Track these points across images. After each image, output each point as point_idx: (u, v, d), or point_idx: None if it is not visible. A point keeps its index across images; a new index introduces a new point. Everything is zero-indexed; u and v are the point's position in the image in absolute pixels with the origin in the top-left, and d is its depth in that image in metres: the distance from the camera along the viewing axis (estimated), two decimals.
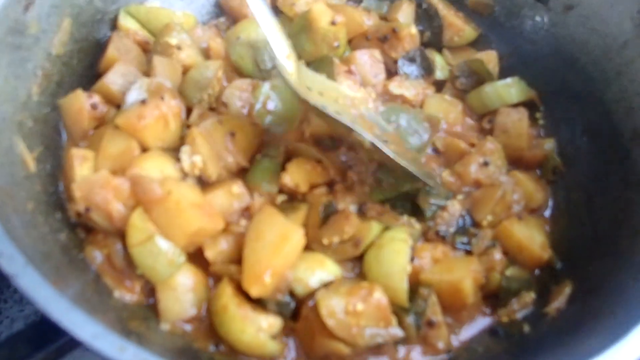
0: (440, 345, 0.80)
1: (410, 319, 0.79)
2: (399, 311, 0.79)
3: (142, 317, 0.77)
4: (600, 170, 0.92)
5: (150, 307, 0.79)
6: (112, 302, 0.75)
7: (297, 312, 0.78)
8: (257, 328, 0.74)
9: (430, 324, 0.80)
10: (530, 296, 0.85)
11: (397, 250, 0.81)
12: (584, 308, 0.77)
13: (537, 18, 1.06)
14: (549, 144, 1.00)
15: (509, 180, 0.94)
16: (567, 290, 0.82)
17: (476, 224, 0.91)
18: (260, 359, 0.76)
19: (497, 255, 0.87)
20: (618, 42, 0.93)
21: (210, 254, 0.79)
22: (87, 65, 0.98)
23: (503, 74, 1.07)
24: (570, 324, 0.75)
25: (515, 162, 0.99)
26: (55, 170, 0.86)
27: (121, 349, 0.56)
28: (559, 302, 0.80)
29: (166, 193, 0.76)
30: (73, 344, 0.76)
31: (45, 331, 0.75)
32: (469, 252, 0.89)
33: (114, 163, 0.84)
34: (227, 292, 0.75)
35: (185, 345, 0.75)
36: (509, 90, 1.02)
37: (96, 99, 0.91)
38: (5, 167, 0.75)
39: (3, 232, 0.62)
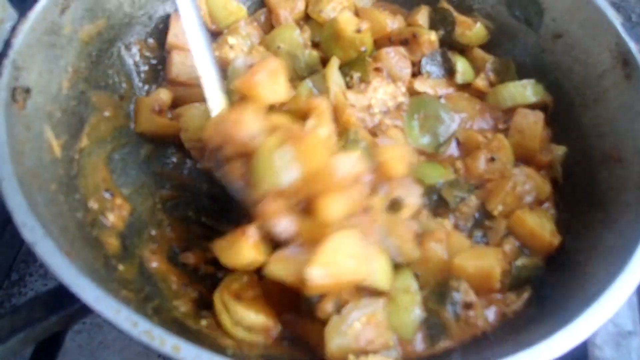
0: (480, 323, 0.86)
1: (448, 312, 0.86)
2: (437, 307, 0.87)
3: (144, 297, 0.86)
4: (569, 189, 1.00)
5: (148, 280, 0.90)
6: (115, 275, 0.85)
7: None
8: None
9: (468, 306, 0.86)
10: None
11: (406, 307, 0.86)
12: (537, 312, 0.85)
13: (529, 43, 1.14)
14: (560, 151, 1.04)
15: (520, 172, 1.00)
16: (525, 295, 0.89)
17: (488, 214, 0.98)
18: None
19: (508, 247, 0.94)
20: (597, 71, 1.00)
21: None
22: None
23: None
24: (522, 325, 0.83)
25: (527, 161, 1.04)
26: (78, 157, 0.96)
27: (117, 311, 0.66)
28: (516, 305, 0.88)
29: None
30: (84, 311, 0.87)
31: (60, 298, 0.86)
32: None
33: None
34: None
35: (173, 318, 0.85)
36: (524, 91, 1.07)
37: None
38: (35, 151, 0.85)
39: (27, 206, 0.72)
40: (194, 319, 0.86)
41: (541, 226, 0.95)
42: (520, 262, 0.93)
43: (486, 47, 1.19)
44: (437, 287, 0.89)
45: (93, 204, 0.92)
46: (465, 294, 0.87)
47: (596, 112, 1.00)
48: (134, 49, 1.11)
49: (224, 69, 1.06)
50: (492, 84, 1.13)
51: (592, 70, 1.01)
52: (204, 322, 0.86)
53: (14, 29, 0.88)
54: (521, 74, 1.14)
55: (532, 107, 1.06)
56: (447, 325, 0.86)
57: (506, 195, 0.98)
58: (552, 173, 1.04)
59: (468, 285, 0.88)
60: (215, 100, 0.94)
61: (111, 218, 0.93)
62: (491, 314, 0.89)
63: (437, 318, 0.87)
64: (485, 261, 0.90)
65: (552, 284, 0.88)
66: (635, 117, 0.91)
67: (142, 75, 1.13)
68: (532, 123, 1.03)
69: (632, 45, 0.93)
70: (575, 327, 0.68)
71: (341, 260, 0.76)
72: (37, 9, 0.90)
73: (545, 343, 0.67)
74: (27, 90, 0.87)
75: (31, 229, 0.70)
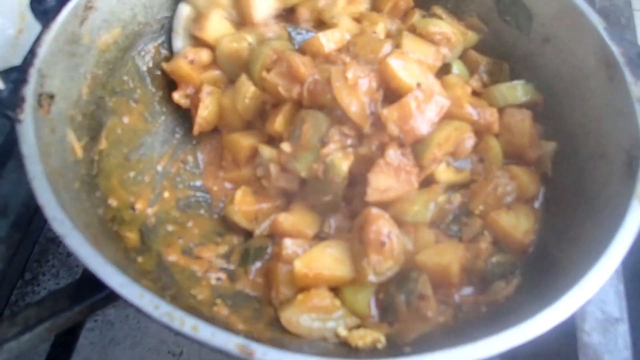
0: (430, 314, 0.92)
1: (401, 298, 0.93)
2: (394, 292, 0.93)
3: (161, 286, 0.93)
4: (558, 183, 1.05)
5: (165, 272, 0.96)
6: (135, 266, 0.92)
7: None
8: None
9: (422, 297, 0.92)
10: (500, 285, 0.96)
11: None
12: (526, 298, 0.91)
13: (520, 47, 1.19)
14: (550, 147, 1.08)
15: (503, 175, 1.05)
16: (515, 281, 0.95)
17: (469, 212, 1.04)
18: None
19: (483, 244, 0.99)
20: (583, 73, 1.05)
21: None
22: None
23: None
24: (511, 308, 0.89)
25: (517, 158, 1.09)
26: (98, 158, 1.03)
27: (140, 296, 0.72)
28: (507, 290, 0.94)
29: None
30: (103, 301, 0.94)
31: (82, 289, 0.92)
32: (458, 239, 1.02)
33: None
34: None
35: (189, 305, 0.91)
36: (515, 91, 1.12)
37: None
38: (59, 152, 0.91)
39: (56, 202, 0.78)
40: (208, 306, 0.92)
41: (514, 227, 1.00)
42: (495, 259, 0.98)
43: (479, 49, 1.24)
44: (400, 274, 0.95)
45: (112, 202, 0.99)
46: (422, 287, 0.92)
47: (583, 111, 1.05)
48: (147, 57, 1.18)
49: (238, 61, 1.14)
50: (485, 85, 1.17)
51: (579, 72, 1.06)
52: (216, 309, 0.93)
53: (38, 39, 0.95)
54: (513, 76, 1.19)
55: (523, 106, 1.11)
56: (398, 310, 0.93)
57: (487, 196, 1.03)
58: (542, 168, 1.08)
59: (427, 279, 0.93)
60: None
61: (130, 214, 1.00)
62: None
63: (392, 301, 0.93)
64: (444, 258, 0.95)
65: (540, 271, 0.94)
66: (617, 116, 0.96)
67: (155, 81, 1.19)
68: (520, 121, 1.08)
69: (614, 48, 0.98)
70: (556, 307, 0.74)
71: (323, 261, 0.94)
72: (59, 20, 0.97)
73: (529, 322, 0.73)
74: (51, 96, 0.93)
75: (61, 222, 0.77)
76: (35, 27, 1.37)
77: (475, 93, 1.15)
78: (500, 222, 1.01)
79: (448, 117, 1.01)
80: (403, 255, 0.95)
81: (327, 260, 0.95)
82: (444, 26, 1.14)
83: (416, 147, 1.00)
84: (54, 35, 0.95)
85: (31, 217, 1.17)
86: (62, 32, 0.97)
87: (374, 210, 0.95)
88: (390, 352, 0.88)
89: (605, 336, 1.03)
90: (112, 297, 0.95)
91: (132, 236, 0.97)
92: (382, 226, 0.93)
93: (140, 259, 0.94)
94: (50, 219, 0.77)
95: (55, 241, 1.38)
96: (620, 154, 0.93)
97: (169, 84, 1.21)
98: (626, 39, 1.01)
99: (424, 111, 0.97)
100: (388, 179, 0.97)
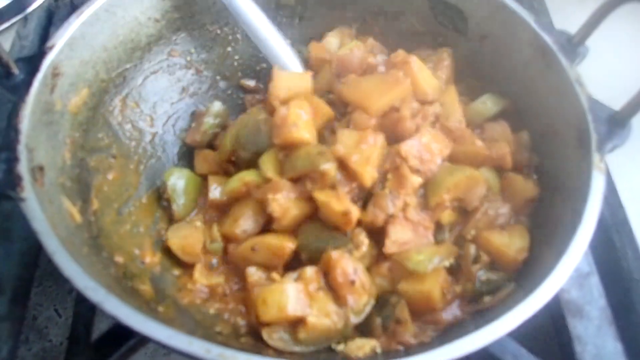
0: (406, 337, 0.94)
1: (377, 321, 0.96)
2: (371, 314, 0.97)
3: (189, 330, 0.94)
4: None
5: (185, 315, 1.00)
6: (160, 317, 0.94)
7: None
8: None
9: (399, 322, 0.95)
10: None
11: None
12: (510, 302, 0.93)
13: (460, 46, 1.28)
14: (525, 136, 1.13)
15: (491, 205, 1.06)
16: (506, 291, 0.96)
17: (462, 236, 1.06)
18: None
19: (476, 267, 1.00)
20: (522, 63, 1.15)
21: None
22: None
23: None
24: (495, 313, 0.92)
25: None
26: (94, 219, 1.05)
27: (190, 343, 0.76)
28: (493, 302, 0.96)
29: None
30: (123, 357, 0.97)
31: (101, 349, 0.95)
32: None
33: None
34: None
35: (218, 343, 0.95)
36: (486, 105, 1.19)
37: None
38: (62, 221, 0.92)
39: (82, 271, 0.81)
40: (235, 339, 0.97)
41: (507, 245, 1.01)
42: (484, 276, 0.99)
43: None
44: (380, 299, 0.99)
45: (119, 258, 1.01)
46: (400, 312, 0.95)
47: (528, 96, 1.15)
48: (116, 111, 1.20)
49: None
50: None
51: (518, 62, 1.16)
52: (243, 340, 0.97)
53: (17, 115, 0.96)
54: (458, 74, 1.28)
55: (497, 116, 1.18)
56: (374, 332, 0.95)
57: (477, 222, 1.05)
58: (532, 161, 1.13)
59: (405, 305, 0.95)
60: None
61: (138, 267, 1.03)
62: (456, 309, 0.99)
63: (368, 322, 0.97)
64: (425, 286, 0.96)
65: (524, 279, 0.99)
66: (561, 97, 1.06)
67: (127, 133, 1.21)
68: (501, 133, 1.15)
69: (547, 38, 1.09)
70: (547, 285, 0.84)
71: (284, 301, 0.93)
72: (32, 92, 0.98)
73: (526, 301, 0.82)
74: (41, 168, 0.94)
75: (94, 289, 0.79)
76: None
77: None
78: (493, 242, 1.02)
79: (462, 156, 1.09)
80: (374, 287, 0.99)
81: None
82: None
83: (426, 188, 1.05)
84: (32, 108, 0.97)
85: (28, 289, 1.17)
86: (37, 104, 0.98)
87: (334, 254, 0.97)
88: (389, 354, 0.93)
89: (582, 290, 1.16)
90: (131, 351, 0.99)
91: (146, 288, 0.99)
92: (346, 266, 0.95)
93: (161, 309, 0.96)
94: (83, 288, 0.79)
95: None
96: (571, 130, 1.03)
97: (141, 133, 1.24)
98: (555, 27, 1.13)
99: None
100: (406, 233, 1.01)
